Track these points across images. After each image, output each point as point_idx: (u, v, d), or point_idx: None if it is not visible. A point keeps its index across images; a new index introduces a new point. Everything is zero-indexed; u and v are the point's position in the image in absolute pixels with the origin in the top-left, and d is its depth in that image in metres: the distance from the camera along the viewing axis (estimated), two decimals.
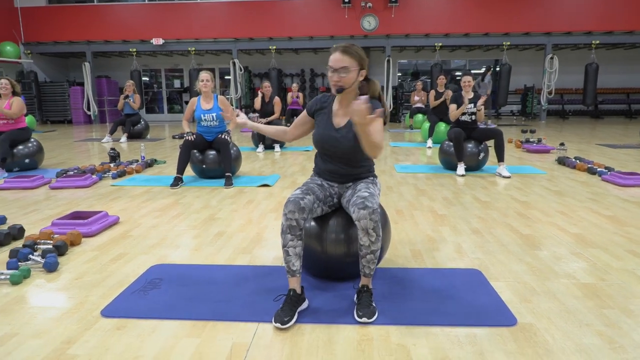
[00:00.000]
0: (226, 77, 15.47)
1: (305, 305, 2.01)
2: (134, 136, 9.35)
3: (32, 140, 5.71)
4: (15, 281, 2.30)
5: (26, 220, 3.49)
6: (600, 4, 12.41)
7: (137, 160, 6.04)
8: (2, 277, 2.34)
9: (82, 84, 14.23)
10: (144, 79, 15.76)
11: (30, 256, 2.55)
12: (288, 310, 1.90)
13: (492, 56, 14.96)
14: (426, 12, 12.79)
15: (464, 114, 5.23)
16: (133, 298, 2.14)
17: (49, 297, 2.18)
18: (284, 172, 5.45)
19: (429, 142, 7.83)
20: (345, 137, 2.11)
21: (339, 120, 2.15)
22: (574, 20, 12.46)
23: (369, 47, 14.02)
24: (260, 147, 7.32)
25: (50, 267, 2.46)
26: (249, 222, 3.41)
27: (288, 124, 8.71)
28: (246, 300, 2.10)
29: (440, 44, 13.02)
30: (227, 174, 4.72)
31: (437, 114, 8.00)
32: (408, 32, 12.93)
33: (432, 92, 8.26)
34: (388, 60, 13.13)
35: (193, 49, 13.52)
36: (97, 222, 3.19)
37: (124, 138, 9.02)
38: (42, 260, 2.50)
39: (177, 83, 16.43)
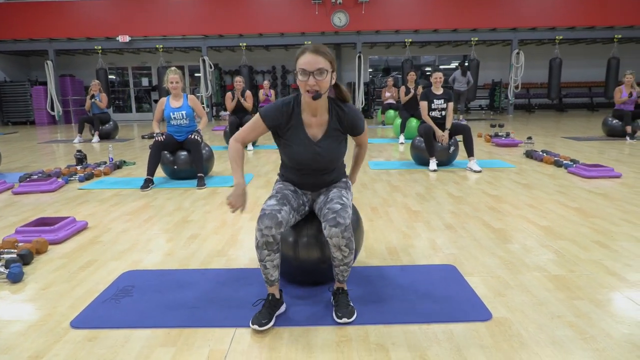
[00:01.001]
0: (196, 75, 15.21)
1: (282, 309, 1.99)
2: (102, 136, 9.08)
3: None
4: None
5: None
6: (563, 1, 12.80)
7: (105, 162, 5.86)
8: None
9: (44, 84, 13.73)
10: (110, 77, 15.32)
11: None
12: (266, 313, 1.88)
13: (461, 52, 15.22)
14: (396, 8, 12.89)
15: (433, 109, 5.31)
16: (104, 307, 2.07)
17: (14, 309, 2.09)
18: (258, 172, 5.40)
19: (401, 138, 7.90)
20: (327, 149, 1.96)
21: (315, 132, 1.96)
22: (539, 16, 12.82)
23: (340, 44, 14.04)
24: None
25: (15, 278, 2.36)
26: (223, 223, 3.36)
27: None
28: (222, 305, 2.07)
29: (410, 40, 13.15)
30: (199, 174, 4.64)
31: (408, 109, 8.07)
32: (378, 29, 13.01)
33: (403, 88, 8.32)
34: (359, 57, 13.18)
35: (161, 46, 13.23)
36: (64, 228, 3.08)
37: (95, 138, 8.75)
38: (6, 271, 2.39)
39: (145, 81, 16.05)
